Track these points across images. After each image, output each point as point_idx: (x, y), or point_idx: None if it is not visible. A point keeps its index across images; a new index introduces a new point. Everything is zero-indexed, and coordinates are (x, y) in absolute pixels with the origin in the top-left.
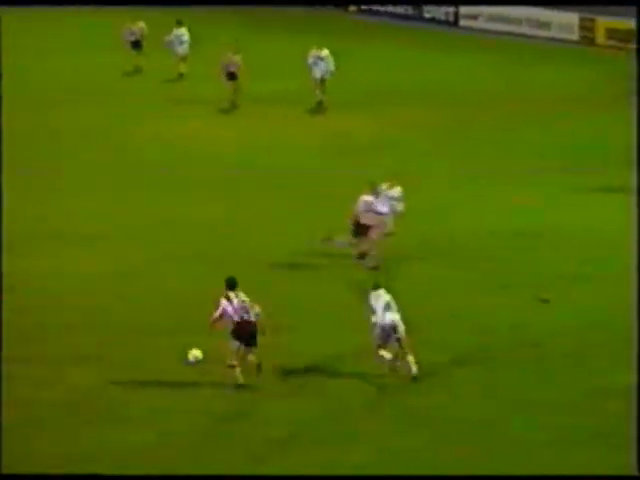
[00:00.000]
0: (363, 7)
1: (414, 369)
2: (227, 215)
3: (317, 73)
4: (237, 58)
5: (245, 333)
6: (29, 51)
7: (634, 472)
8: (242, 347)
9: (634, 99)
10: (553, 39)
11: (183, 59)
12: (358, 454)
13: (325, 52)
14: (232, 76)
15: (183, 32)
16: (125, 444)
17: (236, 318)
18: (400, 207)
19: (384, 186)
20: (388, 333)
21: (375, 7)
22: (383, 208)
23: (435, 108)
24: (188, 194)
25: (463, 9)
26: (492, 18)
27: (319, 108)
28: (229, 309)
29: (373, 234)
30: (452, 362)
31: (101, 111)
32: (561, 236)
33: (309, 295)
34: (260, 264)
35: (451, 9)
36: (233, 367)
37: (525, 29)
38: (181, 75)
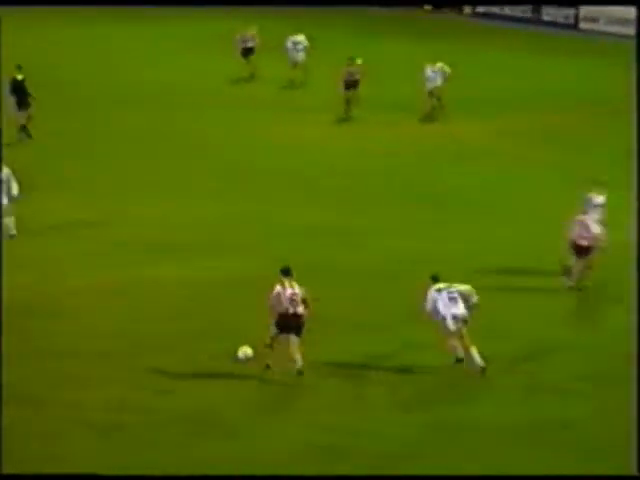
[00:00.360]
0: (478, 10)
1: (480, 361)
2: (342, 222)
3: (429, 86)
4: (357, 68)
5: (288, 325)
6: (139, 54)
7: (634, 472)
8: (281, 335)
9: None
10: None
11: (300, 66)
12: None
13: (438, 65)
14: (351, 85)
15: (301, 39)
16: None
17: (281, 308)
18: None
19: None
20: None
21: (491, 9)
22: (595, 227)
23: (552, 114)
24: (303, 200)
25: (583, 11)
26: (613, 20)
27: (432, 114)
28: (282, 296)
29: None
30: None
31: (213, 118)
32: None
33: None
34: (379, 273)
35: (571, 11)
36: (270, 347)
37: None
38: (292, 81)
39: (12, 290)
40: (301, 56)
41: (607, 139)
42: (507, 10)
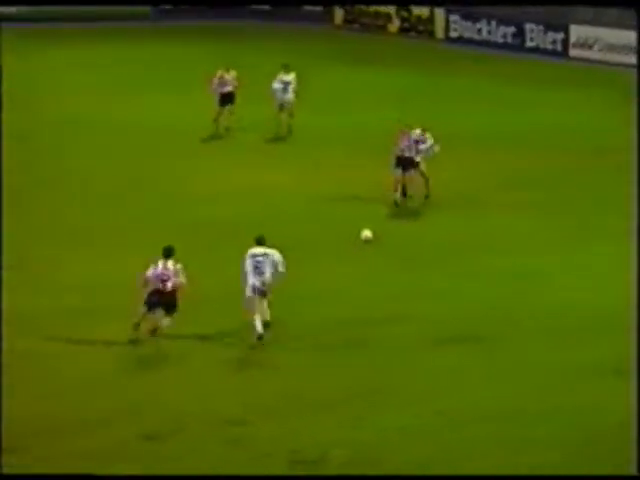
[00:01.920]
0: (452, 34)
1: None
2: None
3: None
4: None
5: (155, 300)
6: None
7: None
8: (148, 312)
9: None
10: None
11: (288, 110)
12: None
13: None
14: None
15: (290, 78)
16: None
17: (150, 285)
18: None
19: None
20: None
21: (466, 34)
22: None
23: (535, 155)
24: None
25: (574, 37)
26: (609, 47)
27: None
28: (149, 274)
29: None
30: None
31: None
32: None
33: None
34: None
35: (559, 36)
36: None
37: None
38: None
39: None
40: (290, 98)
41: (598, 184)
42: (485, 34)
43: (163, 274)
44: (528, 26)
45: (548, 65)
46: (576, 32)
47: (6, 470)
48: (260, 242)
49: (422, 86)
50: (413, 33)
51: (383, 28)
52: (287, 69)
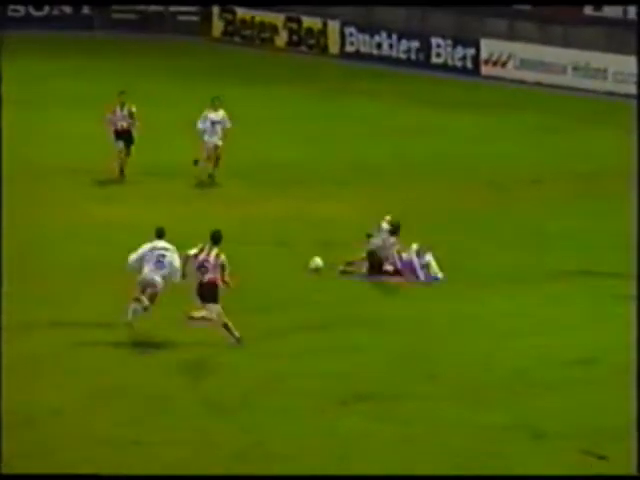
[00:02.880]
0: (348, 49)
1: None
2: None
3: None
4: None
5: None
6: None
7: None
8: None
9: None
10: (611, 93)
11: (216, 151)
12: None
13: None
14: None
15: (221, 116)
16: None
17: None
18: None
19: None
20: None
21: (364, 49)
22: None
23: (444, 186)
24: None
25: (485, 52)
26: (526, 64)
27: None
28: (193, 260)
29: None
30: None
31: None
32: None
33: None
34: None
35: (469, 51)
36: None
37: (570, 79)
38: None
39: None
40: (217, 140)
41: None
42: (386, 50)
43: (205, 261)
44: (434, 40)
45: (457, 84)
46: (488, 47)
47: (6, 470)
48: (160, 235)
49: (313, 108)
50: (303, 47)
51: (269, 41)
52: (216, 104)
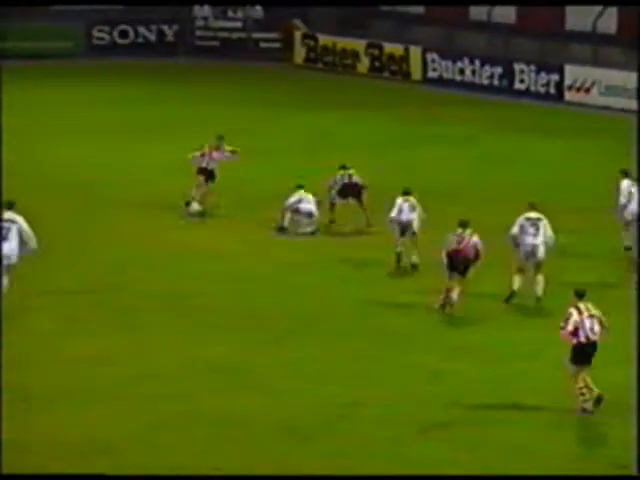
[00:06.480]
0: (430, 75)
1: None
2: None
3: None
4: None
5: (587, 354)
6: None
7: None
8: (583, 370)
9: None
10: None
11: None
12: None
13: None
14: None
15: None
16: None
17: (582, 338)
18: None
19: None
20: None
21: (446, 74)
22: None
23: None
24: None
25: (569, 78)
26: (611, 90)
27: None
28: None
29: None
30: None
31: None
32: None
33: None
34: None
35: (553, 77)
36: (582, 393)
37: None
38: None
39: None
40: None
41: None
42: (469, 76)
43: (592, 320)
44: (517, 66)
45: (540, 110)
46: (572, 73)
47: (6, 470)
48: (10, 206)
49: (396, 134)
50: (386, 73)
51: (351, 67)
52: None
